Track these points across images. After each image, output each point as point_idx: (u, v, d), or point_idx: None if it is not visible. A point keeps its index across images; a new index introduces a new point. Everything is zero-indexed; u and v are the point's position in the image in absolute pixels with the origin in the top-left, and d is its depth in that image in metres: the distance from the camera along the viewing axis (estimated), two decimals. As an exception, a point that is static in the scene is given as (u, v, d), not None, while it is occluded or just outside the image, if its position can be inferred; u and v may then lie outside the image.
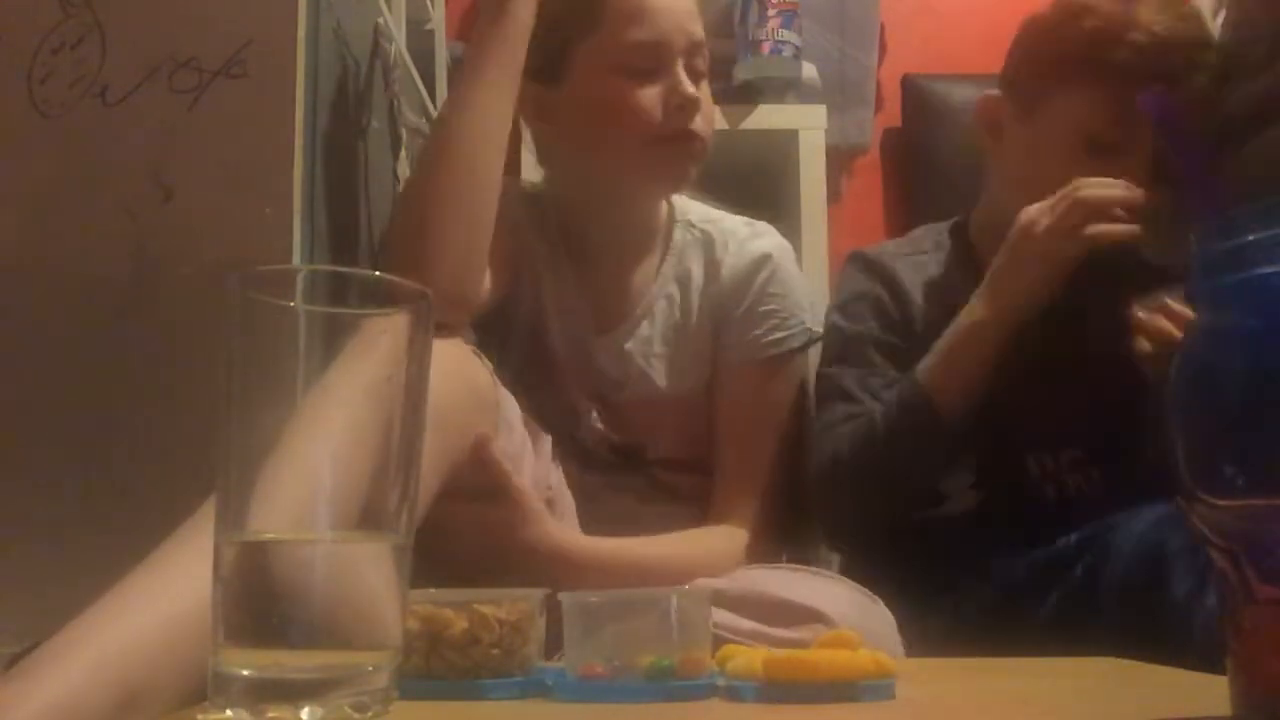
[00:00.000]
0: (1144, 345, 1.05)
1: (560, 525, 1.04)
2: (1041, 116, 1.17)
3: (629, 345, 1.19)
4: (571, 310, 1.21)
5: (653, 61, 1.13)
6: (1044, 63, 1.17)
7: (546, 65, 1.13)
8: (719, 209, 1.28)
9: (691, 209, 1.27)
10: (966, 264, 1.23)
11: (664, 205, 1.26)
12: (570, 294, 1.21)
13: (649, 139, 1.14)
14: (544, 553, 0.98)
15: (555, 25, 1.12)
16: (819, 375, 1.24)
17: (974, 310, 1.10)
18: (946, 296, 1.18)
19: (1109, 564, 0.95)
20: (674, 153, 1.15)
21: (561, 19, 1.12)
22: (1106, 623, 0.94)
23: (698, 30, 1.16)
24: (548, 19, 1.09)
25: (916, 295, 1.22)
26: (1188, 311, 1.04)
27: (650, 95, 1.13)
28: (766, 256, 1.21)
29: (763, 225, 1.26)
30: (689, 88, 1.13)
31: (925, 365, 1.11)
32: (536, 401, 1.11)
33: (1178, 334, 1.01)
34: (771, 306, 1.20)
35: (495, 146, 1.02)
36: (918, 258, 1.26)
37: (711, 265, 1.22)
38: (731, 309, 1.20)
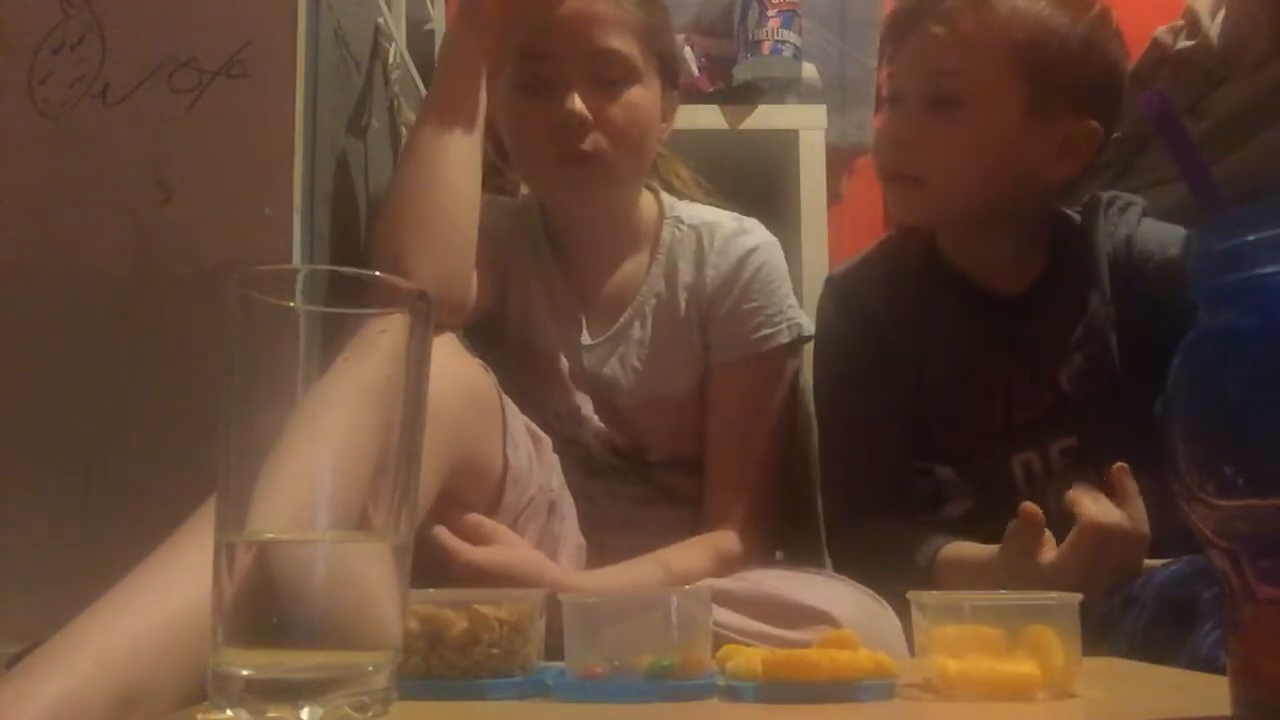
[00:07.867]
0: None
1: (557, 567, 1.01)
2: None
3: (622, 347, 1.19)
4: (563, 315, 1.20)
5: (544, 76, 1.10)
6: None
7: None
8: (714, 207, 1.26)
9: (681, 206, 1.25)
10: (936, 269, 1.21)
11: (651, 204, 1.24)
12: (560, 299, 1.21)
13: (546, 161, 1.12)
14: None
15: None
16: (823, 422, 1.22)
17: (997, 565, 0.98)
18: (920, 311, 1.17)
19: (1132, 610, 0.91)
20: (567, 178, 1.13)
21: None
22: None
23: (603, 39, 1.10)
24: None
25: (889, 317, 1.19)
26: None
27: (540, 114, 1.10)
28: (750, 253, 1.19)
29: (750, 221, 1.24)
30: (574, 104, 1.08)
31: (946, 558, 1.03)
32: (536, 407, 1.11)
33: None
34: (756, 304, 1.18)
35: (464, 153, 1.00)
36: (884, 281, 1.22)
37: (699, 263, 1.20)
38: (716, 308, 1.18)
